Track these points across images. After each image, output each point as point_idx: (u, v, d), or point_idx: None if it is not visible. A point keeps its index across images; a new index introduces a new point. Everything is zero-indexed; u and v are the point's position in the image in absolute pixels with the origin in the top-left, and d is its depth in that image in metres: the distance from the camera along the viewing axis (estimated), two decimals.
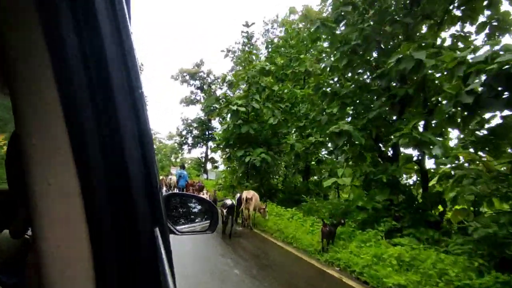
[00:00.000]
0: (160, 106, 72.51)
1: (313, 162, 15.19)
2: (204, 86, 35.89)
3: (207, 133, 35.48)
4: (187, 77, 35.62)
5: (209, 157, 36.28)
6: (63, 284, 0.41)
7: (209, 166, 36.38)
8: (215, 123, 35.87)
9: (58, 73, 0.41)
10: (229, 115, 15.69)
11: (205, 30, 77.99)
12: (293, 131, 15.50)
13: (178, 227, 1.47)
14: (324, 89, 10.18)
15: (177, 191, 12.12)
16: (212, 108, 34.97)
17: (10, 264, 1.04)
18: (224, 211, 8.77)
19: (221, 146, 17.49)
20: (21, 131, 0.42)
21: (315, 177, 17.11)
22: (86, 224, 0.42)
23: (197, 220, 1.66)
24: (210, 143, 35.81)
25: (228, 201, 9.00)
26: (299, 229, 8.76)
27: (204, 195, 13.30)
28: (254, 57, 17.91)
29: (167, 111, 70.30)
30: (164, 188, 19.36)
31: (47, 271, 0.41)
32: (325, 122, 10.10)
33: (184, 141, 35.74)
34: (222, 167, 39.99)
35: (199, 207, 1.69)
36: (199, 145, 35.13)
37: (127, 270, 0.45)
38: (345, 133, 8.16)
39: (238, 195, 10.51)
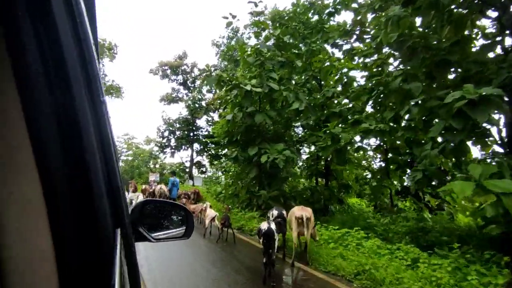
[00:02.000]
0: (137, 104, 66.61)
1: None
2: (188, 82, 31.70)
3: (191, 134, 31.23)
4: (168, 71, 31.31)
5: (195, 161, 31.99)
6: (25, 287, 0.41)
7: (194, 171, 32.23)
8: (201, 122, 31.79)
9: (19, 81, 0.41)
10: (233, 101, 11.91)
11: (188, 22, 73.31)
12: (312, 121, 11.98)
13: (153, 234, 1.40)
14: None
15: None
16: (197, 106, 30.97)
17: None
18: (260, 240, 5.22)
19: (221, 144, 13.54)
20: None
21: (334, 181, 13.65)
22: (49, 229, 0.42)
23: (172, 227, 1.61)
24: (196, 145, 31.60)
25: (265, 225, 5.30)
26: (401, 271, 5.09)
27: (206, 210, 9.47)
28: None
29: (145, 111, 64.70)
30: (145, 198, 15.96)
31: (11, 280, 0.41)
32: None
33: (166, 144, 31.14)
34: (210, 173, 36.20)
35: (174, 213, 1.65)
36: (183, 147, 30.67)
37: (86, 270, 0.45)
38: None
39: (275, 212, 6.75)
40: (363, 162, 15.59)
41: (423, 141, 8.14)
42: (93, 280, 0.46)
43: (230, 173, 15.25)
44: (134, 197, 14.17)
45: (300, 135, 15.71)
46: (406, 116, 7.82)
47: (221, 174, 26.04)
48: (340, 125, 9.90)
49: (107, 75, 17.31)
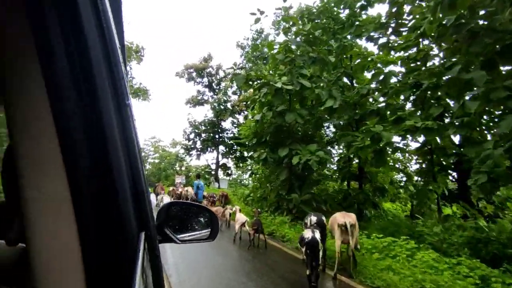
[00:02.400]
0: (163, 107, 68.00)
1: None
2: (213, 84, 31.68)
3: (217, 136, 31.13)
4: (194, 74, 31.44)
5: (220, 163, 31.85)
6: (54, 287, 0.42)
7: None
8: (227, 124, 31.62)
9: (49, 86, 0.42)
10: (261, 100, 11.41)
11: (213, 24, 74.04)
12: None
13: (179, 236, 1.44)
14: None
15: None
16: (222, 107, 30.86)
17: (9, 274, 1.07)
18: (303, 250, 4.60)
19: (249, 145, 13.08)
20: (14, 141, 0.43)
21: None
22: (76, 229, 0.43)
23: (197, 229, 1.64)
24: (221, 147, 31.47)
25: (308, 233, 4.71)
26: None
27: (236, 214, 9.04)
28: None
29: (171, 114, 65.90)
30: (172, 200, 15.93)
31: (39, 276, 0.42)
32: None
33: (192, 146, 31.22)
34: (235, 175, 35.98)
35: (199, 215, 1.69)
36: (209, 149, 30.60)
37: (109, 270, 0.46)
38: None
39: (313, 218, 6.15)
40: (397, 164, 14.59)
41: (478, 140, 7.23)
42: (115, 280, 0.45)
43: (258, 175, 14.75)
44: (160, 199, 14.13)
45: (330, 136, 15.00)
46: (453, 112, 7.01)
47: (248, 176, 25.70)
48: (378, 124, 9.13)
49: (135, 77, 17.38)
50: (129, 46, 15.76)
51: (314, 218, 6.15)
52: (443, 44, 8.63)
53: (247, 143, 14.69)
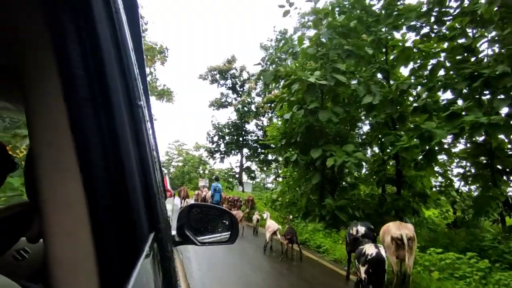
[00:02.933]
0: (187, 110, 68.58)
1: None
2: (237, 86, 31.21)
3: (241, 139, 30.58)
4: (217, 76, 31.14)
5: (244, 166, 31.25)
6: (68, 285, 0.43)
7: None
8: (251, 126, 30.95)
9: (64, 90, 0.44)
10: (291, 99, 10.59)
11: (236, 26, 74.05)
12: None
13: (199, 238, 1.48)
14: None
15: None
16: (246, 109, 30.29)
17: (37, 271, 1.15)
18: (362, 269, 3.78)
19: (277, 146, 12.30)
20: (33, 143, 0.45)
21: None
22: (90, 229, 0.44)
23: (218, 231, 1.66)
24: (245, 150, 30.85)
25: (371, 249, 3.85)
26: None
27: (266, 220, 8.28)
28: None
29: (194, 117, 66.34)
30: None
31: (54, 274, 0.42)
32: None
33: (216, 149, 30.82)
34: (258, 179, 35.23)
35: (220, 218, 1.70)
36: (232, 152, 30.08)
37: (117, 270, 0.47)
38: None
39: (360, 228, 5.28)
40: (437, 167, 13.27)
41: None
42: (118, 279, 0.46)
43: (286, 179, 13.92)
44: (185, 204, 13.67)
45: (362, 136, 13.93)
46: None
47: (273, 180, 24.82)
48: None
49: (159, 79, 17.05)
50: (153, 46, 15.42)
51: (362, 228, 5.27)
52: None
53: (274, 145, 13.92)
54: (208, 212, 1.69)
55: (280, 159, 13.12)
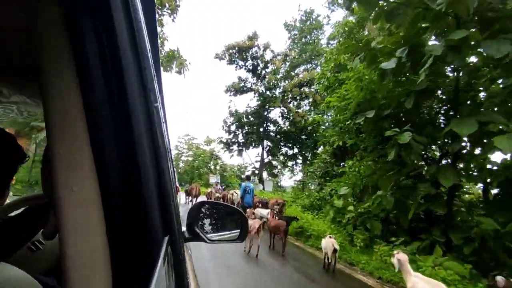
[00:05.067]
0: (198, 102, 64.25)
1: None
2: (259, 68, 26.61)
3: (262, 129, 25.99)
4: (236, 56, 26.58)
5: (265, 161, 26.65)
6: (82, 284, 0.43)
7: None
8: (273, 114, 26.39)
9: (82, 90, 0.44)
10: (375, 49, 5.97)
11: (257, 8, 69.33)
12: None
13: (208, 235, 1.47)
14: None
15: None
16: (270, 94, 25.68)
17: (51, 264, 1.17)
18: None
19: (354, 120, 7.70)
20: (50, 141, 0.45)
21: None
22: (105, 229, 0.44)
23: (227, 229, 1.64)
24: (267, 143, 26.28)
25: None
26: None
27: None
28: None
29: (206, 109, 61.94)
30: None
31: (68, 272, 0.43)
32: None
33: (233, 140, 26.27)
34: (284, 176, 30.63)
35: (230, 216, 1.71)
36: (253, 144, 25.48)
37: (133, 270, 0.47)
38: None
39: None
40: None
41: None
42: (135, 281, 0.46)
43: (356, 174, 9.28)
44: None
45: None
46: None
47: (306, 177, 20.09)
48: None
49: (167, 39, 12.85)
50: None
51: None
52: None
53: (335, 122, 9.35)
54: (218, 209, 1.69)
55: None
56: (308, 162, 25.49)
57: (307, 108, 24.52)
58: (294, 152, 25.05)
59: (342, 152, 11.77)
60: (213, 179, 31.78)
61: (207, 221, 1.54)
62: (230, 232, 1.61)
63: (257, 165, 26.86)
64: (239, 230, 1.58)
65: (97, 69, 0.45)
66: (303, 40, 27.93)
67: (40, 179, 0.99)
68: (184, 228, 1.41)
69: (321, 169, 11.90)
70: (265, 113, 25.66)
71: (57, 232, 0.46)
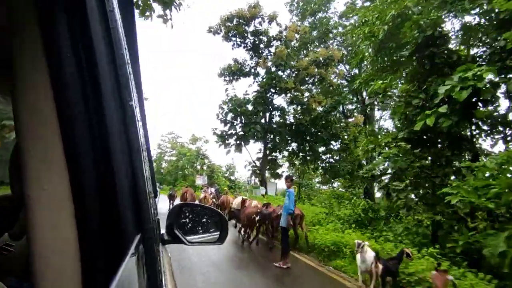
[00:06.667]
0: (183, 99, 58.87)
1: None
2: (261, 46, 21.63)
3: (264, 120, 20.94)
4: (235, 32, 21.48)
5: (268, 158, 21.52)
6: (52, 283, 0.42)
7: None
8: (280, 99, 21.30)
9: (54, 87, 0.42)
10: None
11: None
12: None
13: (188, 237, 1.46)
14: None
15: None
16: (281, 73, 20.65)
17: (22, 270, 1.08)
18: None
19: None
20: (20, 139, 0.43)
21: None
22: (76, 226, 0.43)
23: (207, 231, 1.66)
24: (270, 136, 21.30)
25: None
26: None
27: None
28: None
29: (192, 103, 56.58)
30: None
31: (37, 273, 0.41)
32: None
33: (230, 132, 20.89)
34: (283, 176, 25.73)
35: (210, 218, 1.70)
36: (255, 137, 20.22)
37: (101, 269, 0.46)
38: None
39: None
40: None
41: None
42: (100, 279, 0.44)
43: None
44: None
45: None
46: None
47: (325, 179, 15.22)
48: None
49: None
50: None
51: None
52: None
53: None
54: (198, 212, 1.65)
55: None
56: (324, 160, 20.71)
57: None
58: (306, 148, 20.21)
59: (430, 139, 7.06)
60: (199, 180, 26.80)
61: (187, 223, 1.51)
62: (210, 234, 1.61)
63: (257, 163, 21.74)
64: (219, 232, 1.59)
65: (70, 66, 0.43)
66: (309, 19, 23.30)
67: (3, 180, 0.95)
68: (163, 231, 1.37)
69: (394, 164, 7.09)
70: (270, 99, 20.65)
71: (25, 232, 0.43)
